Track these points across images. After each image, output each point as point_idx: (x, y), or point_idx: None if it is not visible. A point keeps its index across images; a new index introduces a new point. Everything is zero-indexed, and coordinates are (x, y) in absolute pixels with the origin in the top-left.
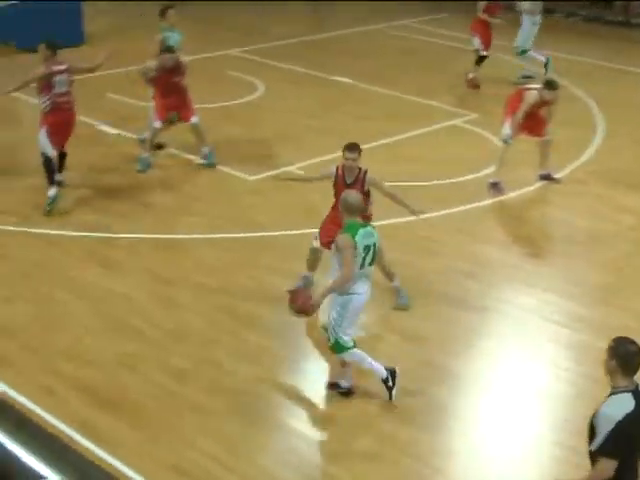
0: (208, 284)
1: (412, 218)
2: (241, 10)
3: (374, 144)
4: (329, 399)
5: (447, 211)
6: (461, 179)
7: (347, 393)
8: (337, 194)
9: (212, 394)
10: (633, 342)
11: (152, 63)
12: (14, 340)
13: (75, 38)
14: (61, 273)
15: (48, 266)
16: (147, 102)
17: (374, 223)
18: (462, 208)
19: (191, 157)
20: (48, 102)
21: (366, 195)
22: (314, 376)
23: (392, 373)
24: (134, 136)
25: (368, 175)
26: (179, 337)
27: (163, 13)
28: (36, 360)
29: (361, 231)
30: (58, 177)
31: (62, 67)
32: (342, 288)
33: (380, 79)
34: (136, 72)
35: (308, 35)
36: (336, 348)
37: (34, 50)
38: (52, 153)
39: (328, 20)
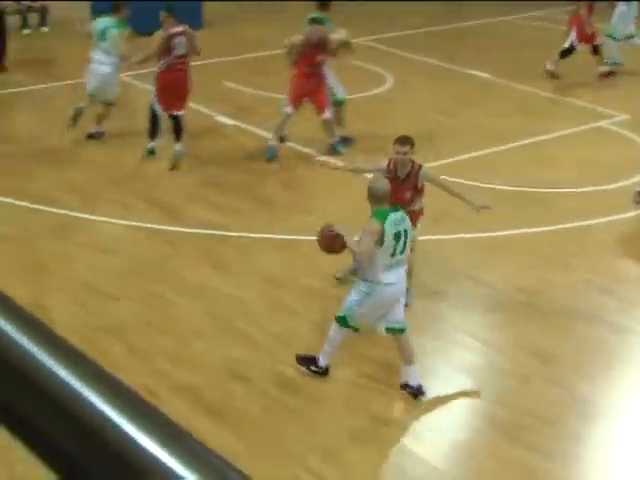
0: (322, 289)
1: (543, 228)
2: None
3: (511, 145)
4: (450, 420)
5: (587, 222)
6: (606, 187)
7: (417, 393)
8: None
9: (321, 407)
10: None
11: (298, 37)
12: (119, 339)
13: (194, 22)
14: (172, 272)
15: (159, 264)
16: (265, 92)
17: (500, 233)
18: (604, 219)
19: (312, 152)
20: (165, 64)
21: (420, 191)
22: (437, 393)
23: (326, 371)
24: (251, 128)
25: (423, 170)
26: (289, 343)
27: (326, 5)
28: (140, 361)
29: (391, 217)
30: (176, 146)
31: (180, 29)
32: (354, 256)
33: (520, 74)
34: (281, 51)
35: (442, 25)
36: (340, 321)
37: (149, 33)
38: (159, 110)
39: (465, 9)
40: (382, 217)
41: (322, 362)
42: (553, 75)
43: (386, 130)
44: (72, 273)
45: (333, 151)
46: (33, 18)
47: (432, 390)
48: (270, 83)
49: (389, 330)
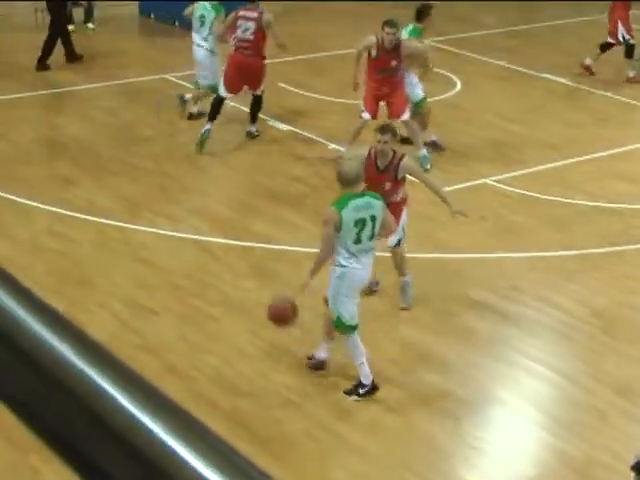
0: (377, 307)
1: (623, 247)
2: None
3: (587, 157)
4: (517, 454)
5: None
6: None
7: (318, 366)
8: (368, 180)
9: (373, 435)
10: None
11: (370, 39)
12: (158, 358)
13: None
14: (217, 287)
15: (203, 278)
16: (322, 95)
17: (575, 252)
18: None
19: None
20: (233, 43)
21: (399, 183)
22: (502, 423)
23: (373, 388)
24: (306, 133)
25: (403, 161)
26: (345, 368)
27: (422, 14)
28: (180, 381)
29: (352, 203)
30: (250, 128)
31: (250, 14)
32: (321, 263)
33: (601, 80)
34: (355, 55)
35: (518, 25)
36: (338, 325)
37: None
38: (222, 92)
39: (544, 7)
40: (341, 204)
41: (365, 381)
42: (636, 80)
43: (451, 139)
44: (112, 286)
45: (420, 163)
46: (78, 14)
47: (497, 420)
48: (327, 86)
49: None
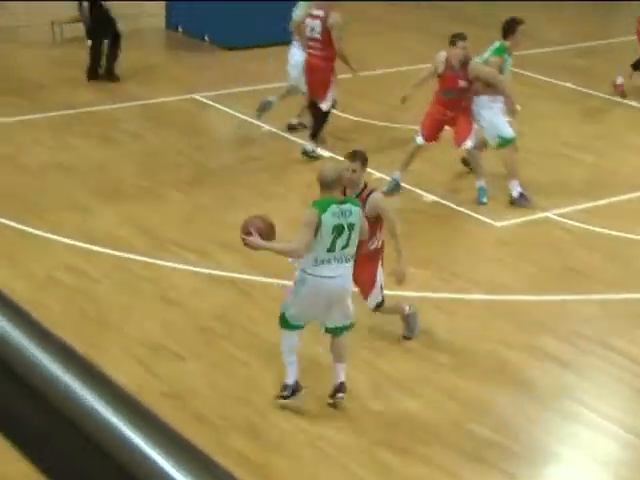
0: (417, 352)
1: None
2: (505, 8)
3: None
4: None
5: None
6: None
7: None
8: None
9: None
10: None
11: (442, 55)
12: (184, 406)
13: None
14: (249, 329)
15: (234, 319)
16: (368, 119)
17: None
18: None
19: (429, 197)
20: (305, 45)
21: (374, 222)
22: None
23: (296, 387)
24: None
25: (371, 196)
26: (390, 420)
27: (508, 31)
28: (208, 433)
29: (333, 208)
30: (306, 146)
31: (317, 12)
32: (279, 254)
33: None
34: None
35: (585, 41)
36: (280, 321)
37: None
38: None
39: (615, 22)
40: (321, 206)
41: (289, 380)
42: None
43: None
44: (133, 327)
45: (477, 194)
46: None
47: (542, 474)
48: (374, 109)
49: (328, 330)
